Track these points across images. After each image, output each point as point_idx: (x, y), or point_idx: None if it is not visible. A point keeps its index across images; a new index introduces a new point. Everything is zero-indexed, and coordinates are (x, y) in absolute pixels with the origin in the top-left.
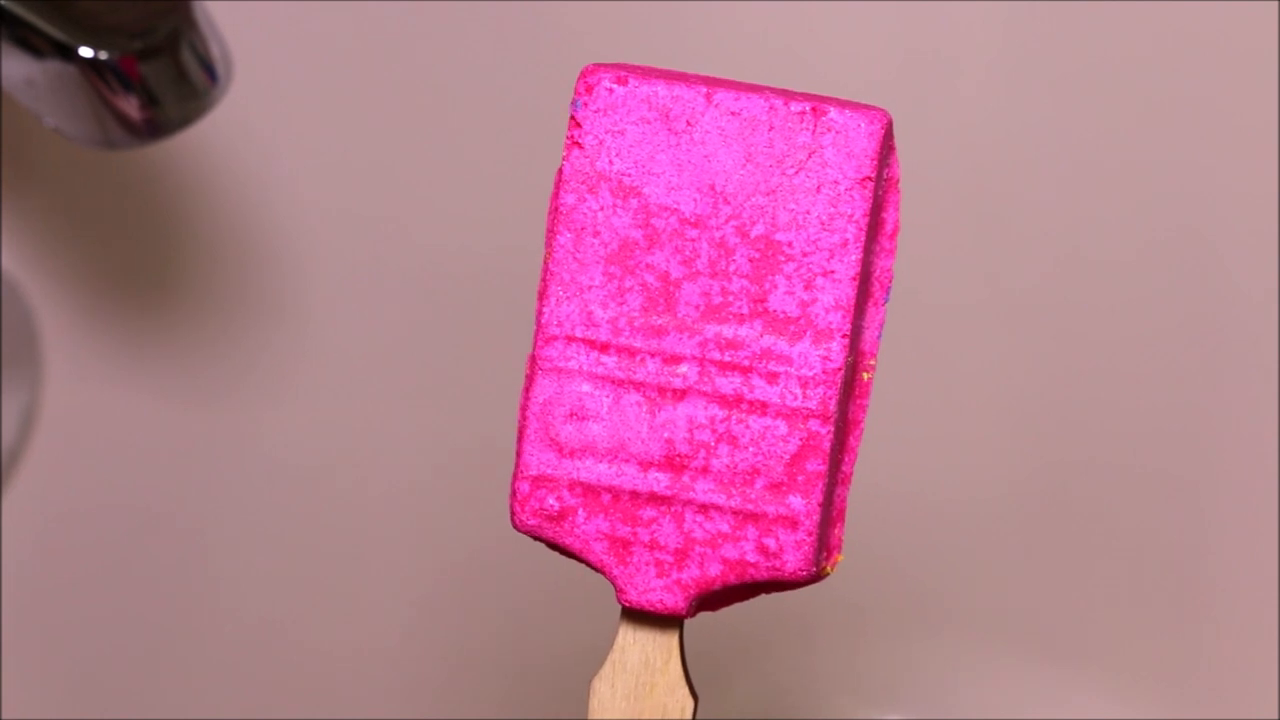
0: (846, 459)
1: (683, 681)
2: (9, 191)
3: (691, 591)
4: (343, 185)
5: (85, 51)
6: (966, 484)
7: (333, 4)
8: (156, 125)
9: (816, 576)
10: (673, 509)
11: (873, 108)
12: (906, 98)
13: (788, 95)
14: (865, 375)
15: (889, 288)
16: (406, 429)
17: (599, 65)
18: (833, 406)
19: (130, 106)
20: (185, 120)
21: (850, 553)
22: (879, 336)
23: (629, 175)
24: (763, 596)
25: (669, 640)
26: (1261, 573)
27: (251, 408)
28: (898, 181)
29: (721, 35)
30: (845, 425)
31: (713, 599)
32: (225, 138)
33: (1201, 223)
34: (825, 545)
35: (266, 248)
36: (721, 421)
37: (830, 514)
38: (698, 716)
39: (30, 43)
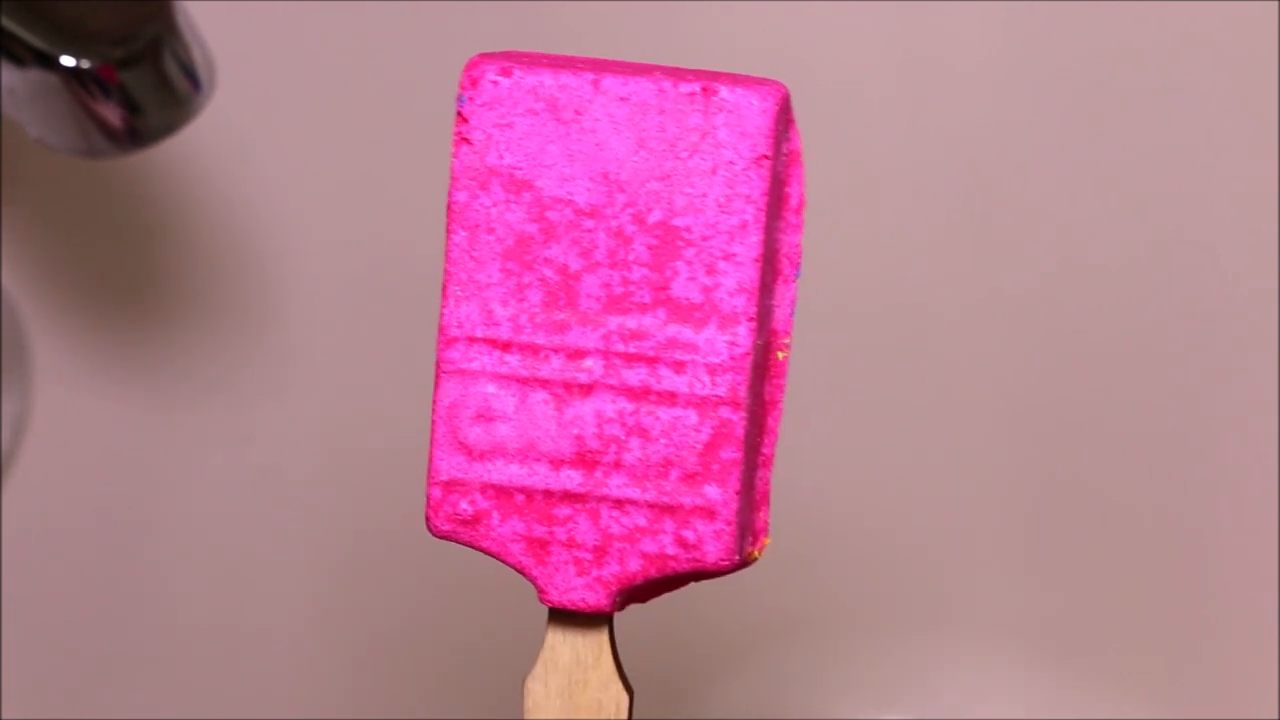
0: (766, 441)
1: (615, 677)
2: None
3: (613, 588)
4: (328, 191)
5: (66, 60)
6: (966, 484)
7: (315, 9)
8: (139, 133)
9: (742, 563)
10: (588, 506)
11: (767, 82)
12: (905, 98)
13: (678, 75)
14: (780, 354)
15: (799, 264)
16: (395, 432)
17: (484, 56)
18: (743, 392)
19: (112, 115)
20: (168, 128)
21: (850, 554)
22: (792, 314)
23: (520, 169)
24: (763, 597)
25: (599, 636)
26: (1261, 573)
27: (240, 413)
28: (800, 155)
29: (712, 35)
30: (762, 407)
31: (638, 592)
32: (209, 145)
33: (1201, 224)
34: (750, 531)
35: (252, 253)
36: (631, 415)
37: (752, 499)
38: (634, 711)
39: (11, 51)
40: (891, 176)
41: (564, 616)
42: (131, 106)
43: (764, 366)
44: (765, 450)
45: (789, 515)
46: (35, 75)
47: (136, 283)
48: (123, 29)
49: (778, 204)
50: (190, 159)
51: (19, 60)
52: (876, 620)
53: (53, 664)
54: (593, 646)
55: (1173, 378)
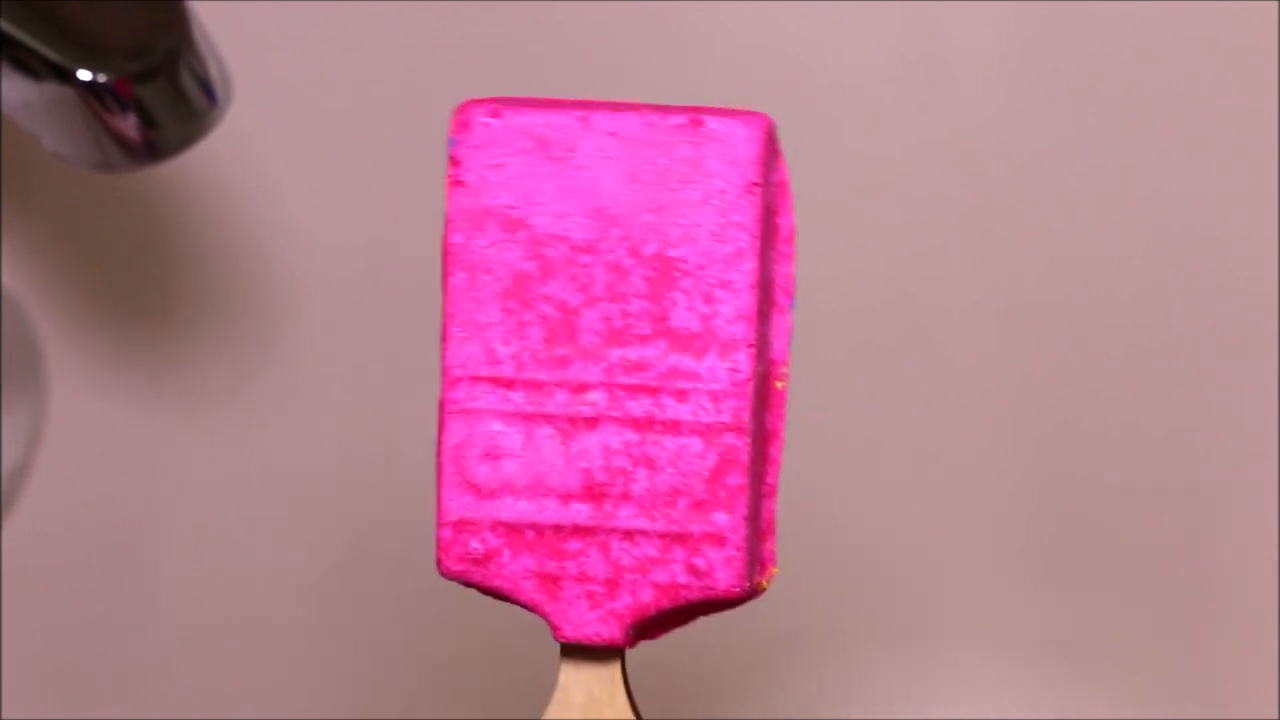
0: (770, 470)
1: (629, 714)
2: (10, 209)
3: (627, 620)
4: (343, 204)
5: (83, 74)
6: (965, 486)
7: (333, 23)
8: (155, 147)
9: (751, 592)
10: (598, 539)
11: (753, 114)
12: (906, 98)
13: (665, 110)
14: (779, 384)
15: (793, 293)
16: (410, 443)
17: (473, 101)
18: (746, 418)
19: (128, 129)
20: (184, 142)
21: (853, 556)
22: (788, 344)
23: (515, 208)
24: (766, 611)
25: (612, 673)
26: (1262, 574)
27: (253, 421)
28: (787, 185)
29: (717, 37)
30: (764, 437)
31: (650, 625)
32: (223, 154)
33: (1207, 223)
34: (758, 559)
35: (266, 265)
36: (636, 445)
37: (759, 527)
38: None
39: (27, 65)
40: (894, 175)
41: (577, 654)
42: (148, 121)
43: (764, 396)
44: (769, 480)
45: (792, 526)
46: (51, 89)
47: (151, 294)
48: (139, 43)
49: (769, 233)
50: (205, 169)
51: (34, 74)
52: (877, 621)
53: (60, 675)
54: (606, 684)
55: (1174, 378)
